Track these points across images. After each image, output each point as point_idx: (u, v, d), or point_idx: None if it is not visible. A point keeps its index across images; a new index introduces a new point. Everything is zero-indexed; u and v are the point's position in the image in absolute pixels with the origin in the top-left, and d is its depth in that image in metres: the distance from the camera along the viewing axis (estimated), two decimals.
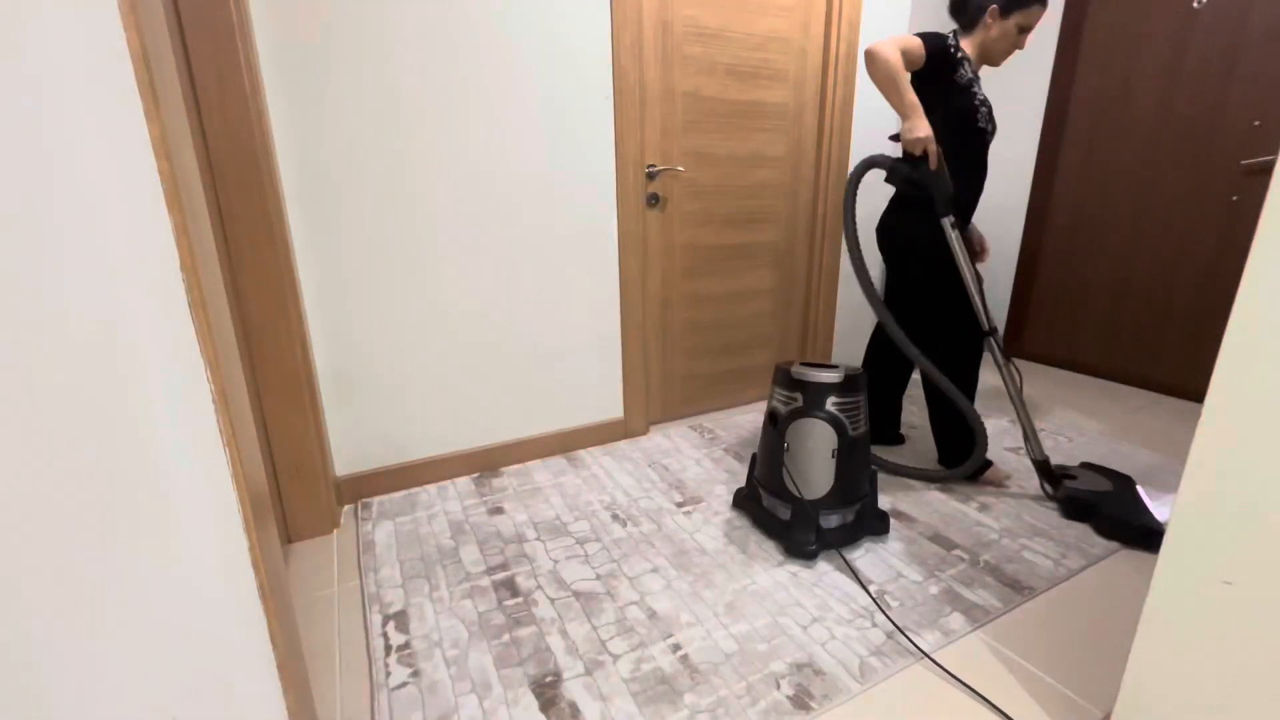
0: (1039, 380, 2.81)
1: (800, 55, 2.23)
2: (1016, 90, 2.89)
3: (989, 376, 2.74)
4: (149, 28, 0.59)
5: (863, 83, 2.34)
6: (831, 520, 1.47)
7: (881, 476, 1.85)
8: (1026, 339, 3.10)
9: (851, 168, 1.67)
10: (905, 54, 1.53)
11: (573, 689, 1.09)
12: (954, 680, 1.10)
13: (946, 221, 1.59)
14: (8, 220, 0.38)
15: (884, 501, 1.71)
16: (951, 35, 1.64)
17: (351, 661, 1.18)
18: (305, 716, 0.86)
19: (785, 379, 1.48)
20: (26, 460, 0.37)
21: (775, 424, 1.49)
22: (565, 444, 2.08)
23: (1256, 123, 2.21)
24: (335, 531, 1.63)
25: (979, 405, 2.44)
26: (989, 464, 1.79)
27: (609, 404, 2.15)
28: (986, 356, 2.87)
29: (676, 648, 1.18)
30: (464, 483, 1.88)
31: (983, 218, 3.09)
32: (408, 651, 1.18)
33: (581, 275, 1.97)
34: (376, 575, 1.42)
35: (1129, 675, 0.88)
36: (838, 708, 1.05)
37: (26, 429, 0.37)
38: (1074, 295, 2.86)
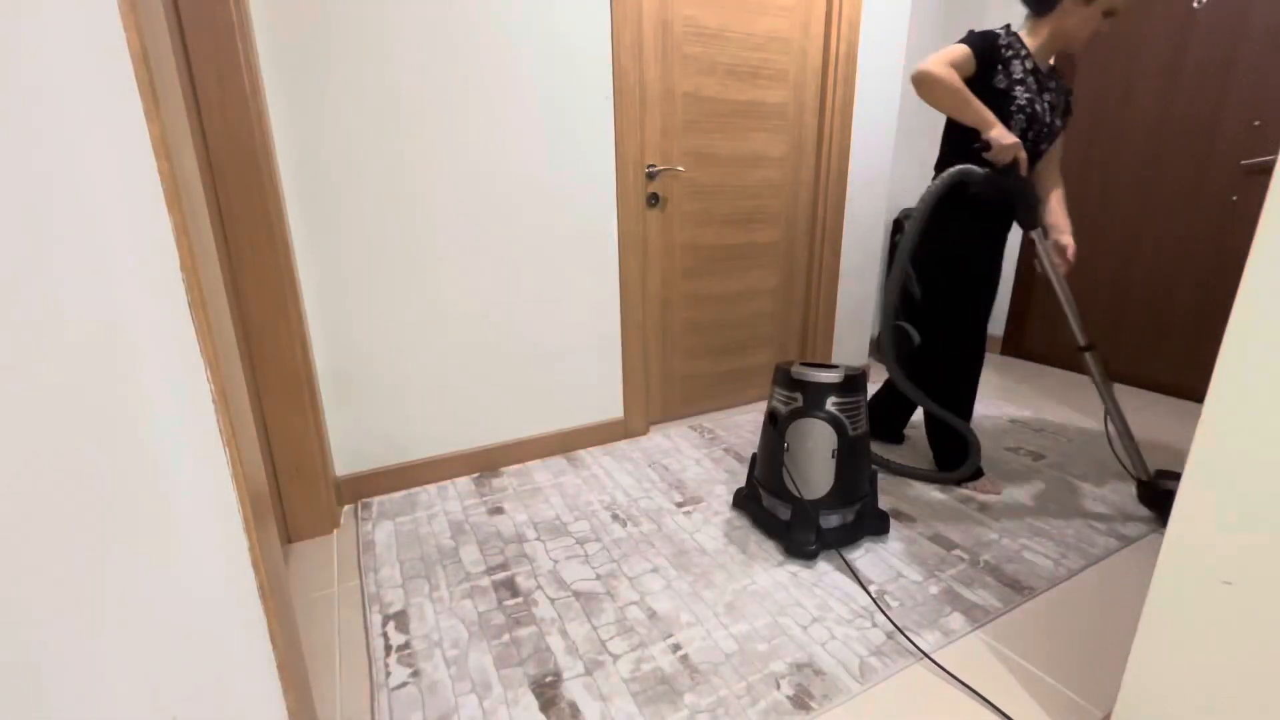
0: (1039, 380, 2.82)
1: (800, 55, 2.23)
2: None
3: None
4: (149, 27, 0.59)
5: (863, 83, 2.35)
6: (831, 520, 1.47)
7: (882, 476, 1.85)
8: (1026, 339, 3.10)
9: (936, 179, 1.51)
10: (956, 67, 1.46)
11: (573, 689, 1.09)
12: (954, 680, 1.10)
13: (1037, 234, 1.54)
14: (8, 220, 0.38)
15: (884, 501, 1.71)
16: (1004, 30, 1.53)
17: (351, 661, 1.18)
18: (305, 716, 0.86)
19: (785, 379, 1.48)
20: (26, 460, 0.37)
21: (775, 424, 1.49)
22: (565, 444, 2.08)
23: (1256, 123, 2.22)
24: (335, 531, 1.63)
25: (979, 408, 2.44)
26: (981, 473, 1.79)
27: (609, 404, 2.15)
28: (998, 362, 2.87)
29: (676, 648, 1.18)
30: (464, 483, 1.88)
31: None
32: (408, 651, 1.18)
33: (581, 275, 1.97)
34: (376, 575, 1.42)
35: (1129, 675, 0.88)
36: (838, 708, 1.05)
37: (26, 429, 0.37)
38: (1074, 295, 2.85)
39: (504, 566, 1.45)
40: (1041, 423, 2.30)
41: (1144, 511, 1.66)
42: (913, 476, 1.84)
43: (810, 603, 1.30)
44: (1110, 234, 2.69)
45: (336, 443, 1.74)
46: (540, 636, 1.21)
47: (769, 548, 1.50)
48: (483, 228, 1.77)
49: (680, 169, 2.10)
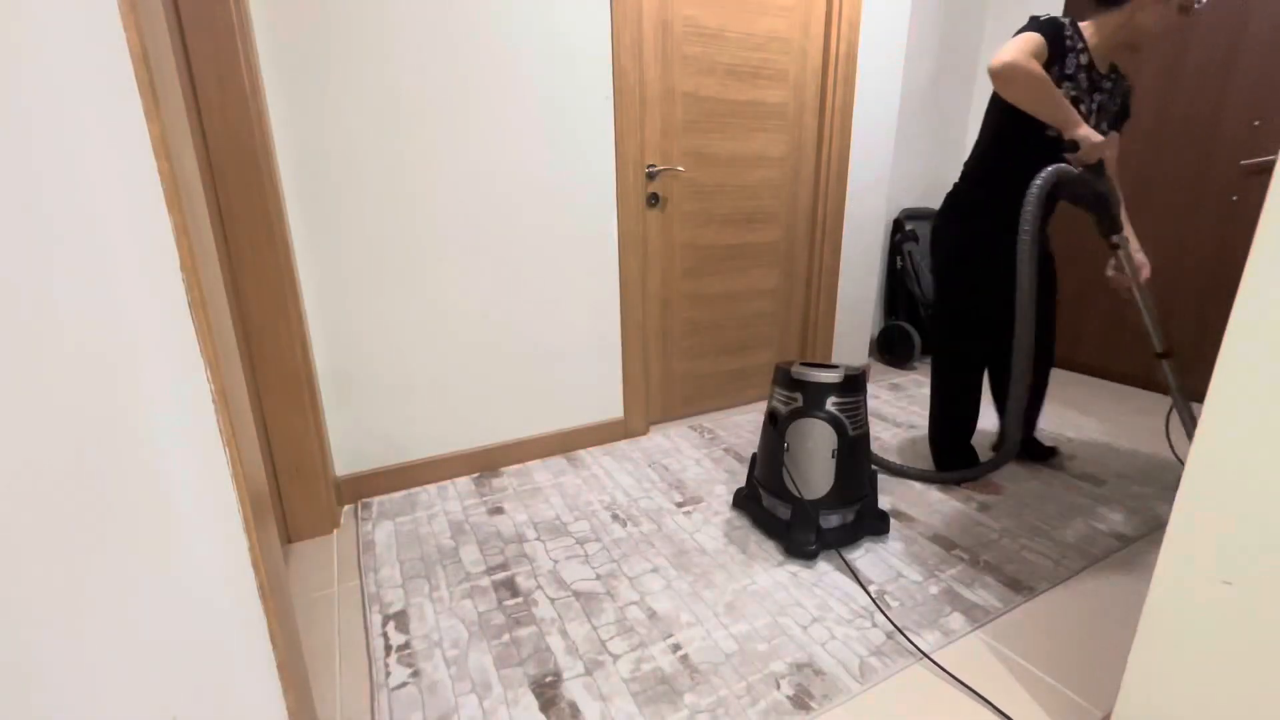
0: None
1: (800, 55, 2.23)
2: None
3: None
4: (149, 27, 0.59)
5: (863, 83, 2.34)
6: (831, 520, 1.47)
7: (881, 476, 1.85)
8: None
9: (1040, 179, 1.41)
10: (1038, 59, 1.36)
11: (573, 689, 1.09)
12: (954, 680, 1.10)
13: (1120, 239, 1.49)
14: (8, 220, 0.38)
15: (884, 501, 1.71)
16: (1069, 21, 1.43)
17: (351, 661, 1.18)
18: (305, 716, 0.86)
19: (785, 379, 1.48)
20: (26, 461, 0.37)
21: (775, 424, 1.49)
22: (565, 444, 2.08)
23: (1256, 123, 2.21)
24: (335, 531, 1.63)
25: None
26: (978, 476, 1.78)
27: (609, 404, 2.15)
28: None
29: (676, 648, 1.18)
30: (464, 483, 1.88)
31: None
32: (408, 651, 1.18)
33: (581, 275, 1.97)
34: (376, 575, 1.42)
35: (1129, 675, 0.88)
36: (838, 708, 1.05)
37: (26, 429, 0.37)
38: (1074, 295, 2.86)
39: (504, 566, 1.44)
40: (1042, 422, 2.29)
41: (1144, 512, 1.66)
42: (912, 477, 1.84)
43: (810, 603, 1.30)
44: None
45: (336, 443, 1.74)
46: (540, 636, 1.21)
47: (769, 548, 1.50)
48: (483, 228, 1.77)
49: (680, 169, 2.10)
